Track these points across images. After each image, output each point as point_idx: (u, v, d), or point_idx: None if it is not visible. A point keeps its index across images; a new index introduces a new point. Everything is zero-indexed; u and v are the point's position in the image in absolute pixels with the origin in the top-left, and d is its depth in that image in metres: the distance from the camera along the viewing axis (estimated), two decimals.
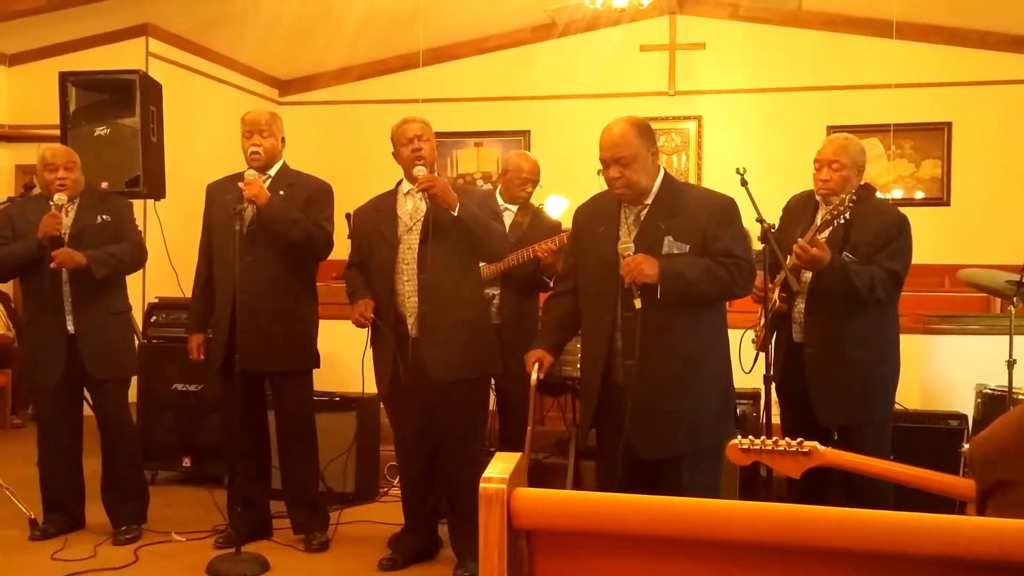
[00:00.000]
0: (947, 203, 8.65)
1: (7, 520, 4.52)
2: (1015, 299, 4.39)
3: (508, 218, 4.67)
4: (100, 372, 4.35)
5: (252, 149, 4.22)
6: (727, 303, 3.51)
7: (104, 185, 4.87)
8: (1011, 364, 4.37)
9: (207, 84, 8.53)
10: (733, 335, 3.50)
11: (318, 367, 4.42)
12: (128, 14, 7.56)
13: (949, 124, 8.63)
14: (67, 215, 4.33)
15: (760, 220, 3.62)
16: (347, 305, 4.09)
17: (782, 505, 1.20)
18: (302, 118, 9.17)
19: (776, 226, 3.93)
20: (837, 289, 3.66)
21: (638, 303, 3.09)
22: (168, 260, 5.27)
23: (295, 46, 8.77)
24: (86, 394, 4.49)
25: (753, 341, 3.94)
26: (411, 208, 3.96)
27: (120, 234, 4.42)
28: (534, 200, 4.92)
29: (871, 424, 3.78)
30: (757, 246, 3.70)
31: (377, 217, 4.04)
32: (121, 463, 4.46)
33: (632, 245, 3.16)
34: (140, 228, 4.90)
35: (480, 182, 9.14)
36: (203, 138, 7.99)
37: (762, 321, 3.82)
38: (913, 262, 3.82)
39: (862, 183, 3.86)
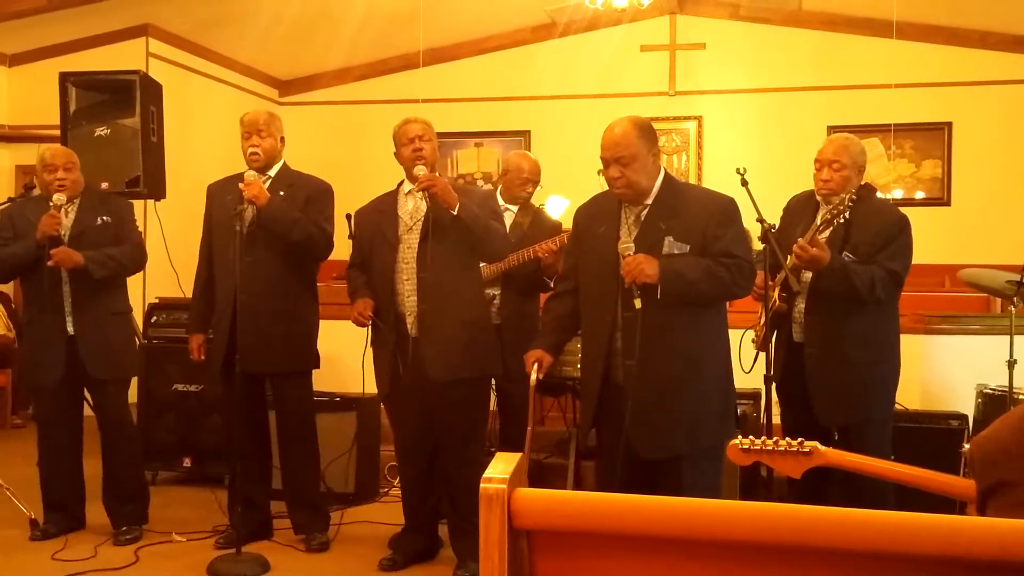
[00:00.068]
0: (947, 203, 8.65)
1: (8, 520, 4.52)
2: (1015, 299, 4.39)
3: (508, 218, 4.67)
4: (100, 372, 4.35)
5: (251, 150, 4.22)
6: (727, 303, 3.51)
7: (104, 185, 4.87)
8: (1011, 364, 4.37)
9: (207, 84, 8.53)
10: (733, 335, 3.50)
11: (318, 367, 4.42)
12: (128, 14, 7.56)
13: (949, 124, 8.63)
14: (67, 216, 4.34)
15: (760, 220, 3.62)
16: (348, 305, 4.09)
17: (782, 505, 1.20)
18: (302, 118, 9.18)
19: (776, 226, 3.93)
20: (837, 289, 3.66)
21: (638, 303, 3.09)
22: (168, 260, 5.27)
23: (295, 46, 8.77)
24: (87, 394, 4.49)
25: (753, 341, 3.94)
26: (412, 208, 3.97)
27: (121, 235, 4.41)
28: (534, 200, 4.92)
29: (871, 424, 3.78)
30: (758, 246, 3.70)
31: (378, 217, 4.04)
32: (121, 463, 4.47)
33: (632, 245, 3.16)
34: (140, 228, 4.90)
35: (480, 182, 9.14)
36: (203, 138, 7.99)
37: (762, 321, 3.82)
38: (913, 262, 3.82)
39: (863, 183, 3.86)
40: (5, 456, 5.69)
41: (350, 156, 8.95)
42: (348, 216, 4.81)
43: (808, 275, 3.74)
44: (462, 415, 3.94)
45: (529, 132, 9.30)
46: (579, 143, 7.60)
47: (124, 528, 4.39)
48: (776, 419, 3.83)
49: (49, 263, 4.17)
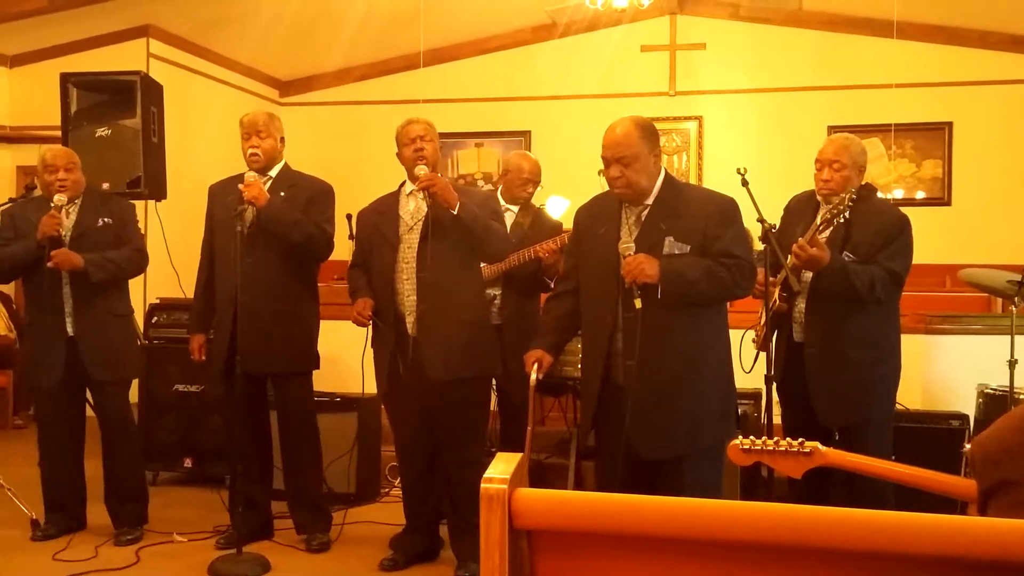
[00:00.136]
0: (948, 203, 8.65)
1: (9, 521, 4.52)
2: (1016, 299, 4.39)
3: (509, 219, 4.67)
4: (101, 374, 4.35)
5: (251, 151, 4.22)
6: (728, 303, 3.51)
7: (105, 186, 4.88)
8: (1012, 364, 4.36)
9: (208, 85, 8.53)
10: (734, 335, 3.50)
11: (318, 368, 4.42)
12: (129, 15, 7.56)
13: (950, 124, 8.63)
14: (67, 216, 4.34)
15: (761, 220, 3.62)
16: (348, 306, 4.09)
17: (783, 505, 1.20)
18: (303, 119, 9.18)
19: (777, 226, 3.93)
20: (836, 289, 3.66)
21: (639, 303, 3.10)
22: (169, 261, 5.27)
23: (296, 47, 8.77)
24: (88, 395, 4.49)
25: (754, 341, 3.94)
26: (413, 208, 3.97)
27: (122, 237, 4.41)
28: (535, 201, 4.92)
29: (872, 424, 3.78)
30: (758, 246, 3.70)
31: (379, 217, 4.05)
32: (123, 464, 4.47)
33: (633, 245, 3.16)
34: (141, 229, 4.90)
35: (481, 183, 9.14)
36: (204, 139, 8.00)
37: (763, 321, 3.82)
38: (914, 262, 3.82)
39: (863, 183, 3.86)
40: (6, 457, 5.69)
41: (350, 156, 8.95)
42: (348, 216, 4.82)
43: (808, 275, 3.74)
44: (462, 415, 3.94)
45: (529, 132, 9.30)
46: (579, 143, 7.60)
47: (125, 528, 4.39)
48: (777, 419, 3.84)
49: (49, 264, 4.17)
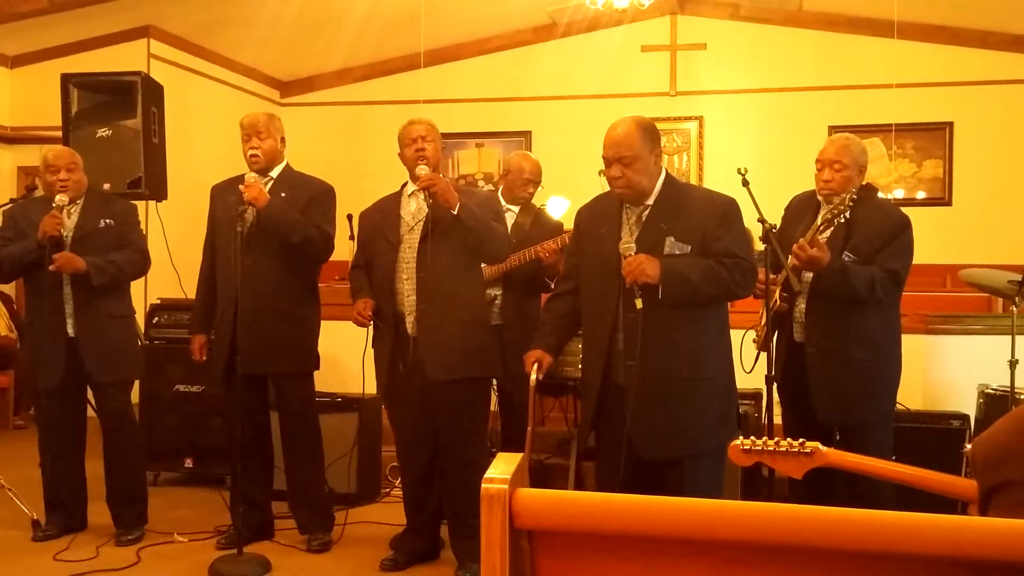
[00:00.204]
0: (948, 203, 8.64)
1: (10, 521, 4.53)
2: (1017, 299, 4.39)
3: (510, 219, 4.68)
4: (102, 375, 4.36)
5: (251, 152, 4.23)
6: (728, 303, 3.51)
7: (106, 186, 4.88)
8: (1013, 364, 4.36)
9: (208, 85, 8.53)
10: (735, 335, 3.50)
11: (317, 368, 4.42)
12: (129, 16, 7.56)
13: (950, 124, 8.62)
14: (69, 217, 4.34)
15: (762, 220, 3.62)
16: (349, 306, 4.10)
17: (784, 505, 1.20)
18: (303, 119, 9.18)
19: (778, 226, 3.93)
20: (836, 290, 3.66)
21: (639, 303, 3.10)
22: (170, 261, 5.27)
23: (296, 47, 8.77)
24: (90, 396, 4.50)
25: (754, 341, 3.94)
26: (414, 208, 3.97)
27: (124, 239, 4.42)
28: (536, 201, 4.93)
29: (872, 424, 3.78)
30: (759, 246, 3.70)
31: (381, 217, 4.05)
32: (124, 464, 4.47)
33: (634, 245, 3.16)
34: (143, 230, 4.90)
35: (481, 183, 9.14)
36: (205, 139, 8.00)
37: (763, 321, 3.82)
38: (915, 262, 3.83)
39: (864, 183, 3.86)
40: (7, 457, 5.69)
41: (351, 157, 8.95)
42: (349, 217, 4.82)
43: (809, 275, 3.74)
44: (462, 415, 3.94)
45: (530, 132, 9.30)
46: (580, 143, 7.61)
47: (126, 529, 4.39)
48: (777, 419, 3.83)
49: (51, 267, 4.18)
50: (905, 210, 3.92)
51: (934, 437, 4.44)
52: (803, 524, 1.18)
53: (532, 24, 9.17)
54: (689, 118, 9.08)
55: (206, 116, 8.24)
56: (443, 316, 3.87)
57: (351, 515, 4.54)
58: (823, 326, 3.76)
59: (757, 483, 4.19)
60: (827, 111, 8.54)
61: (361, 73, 9.65)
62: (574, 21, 8.77)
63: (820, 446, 2.16)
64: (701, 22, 9.06)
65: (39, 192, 4.65)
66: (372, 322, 3.99)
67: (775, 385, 3.73)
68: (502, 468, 1.27)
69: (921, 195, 8.72)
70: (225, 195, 4.29)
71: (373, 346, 4.08)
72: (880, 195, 4.18)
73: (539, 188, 4.90)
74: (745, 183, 3.61)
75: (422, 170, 3.87)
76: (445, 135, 4.18)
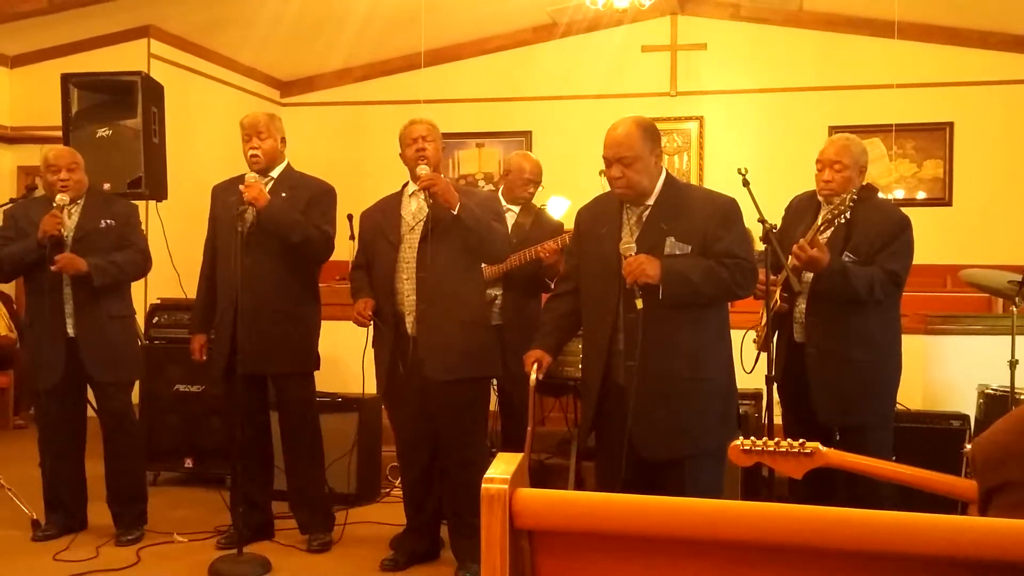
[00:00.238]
0: (949, 203, 8.64)
1: (10, 521, 4.53)
2: (1017, 299, 4.39)
3: (510, 219, 4.68)
4: (102, 375, 4.36)
5: (251, 152, 4.23)
6: (729, 303, 3.51)
7: (106, 186, 4.88)
8: (1013, 364, 4.36)
9: (209, 85, 8.53)
10: (735, 335, 3.50)
11: (318, 368, 4.42)
12: (130, 16, 7.56)
13: (951, 124, 8.62)
14: (69, 216, 4.34)
15: (762, 220, 3.62)
16: (349, 306, 4.10)
17: (784, 505, 1.20)
18: (303, 119, 9.18)
19: (778, 226, 3.93)
20: (836, 290, 3.66)
21: (640, 303, 3.10)
22: (170, 261, 5.27)
23: (296, 47, 8.77)
24: (89, 396, 4.49)
25: (755, 341, 3.94)
26: (415, 208, 3.97)
27: (125, 239, 4.42)
28: (536, 201, 4.93)
29: (872, 425, 3.78)
30: (759, 246, 3.70)
31: (381, 217, 4.06)
32: (124, 464, 4.47)
33: (634, 245, 3.16)
34: (144, 230, 4.90)
35: (482, 183, 9.14)
36: (205, 139, 8.00)
37: (764, 321, 3.82)
38: (915, 262, 3.83)
39: (864, 183, 3.86)
40: (7, 457, 5.69)
41: (351, 157, 8.95)
42: (349, 217, 4.81)
43: (809, 276, 3.74)
44: (462, 416, 3.94)
45: (530, 132, 9.29)
46: (580, 143, 7.61)
47: (126, 529, 4.39)
48: (778, 420, 3.83)
49: (53, 268, 4.18)
50: (905, 210, 3.92)
51: (934, 437, 4.44)
52: (803, 524, 1.18)
53: (532, 24, 9.17)
54: (689, 118, 9.08)
55: (206, 116, 8.24)
56: (443, 316, 3.87)
57: (351, 515, 4.54)
58: (823, 326, 3.76)
59: (757, 483, 4.19)
60: (827, 111, 8.54)
61: (361, 73, 9.65)
62: (574, 21, 8.77)
63: (820, 446, 2.15)
64: (701, 22, 9.06)
65: (39, 192, 4.65)
66: (372, 322, 4.00)
67: (775, 385, 3.73)
68: (502, 468, 1.27)
69: (921, 195, 8.71)
70: (226, 195, 4.29)
71: (373, 346, 4.08)
72: (880, 195, 4.18)
73: (539, 188, 4.90)
74: (745, 183, 3.61)
75: (422, 170, 3.87)
76: (445, 135, 4.18)
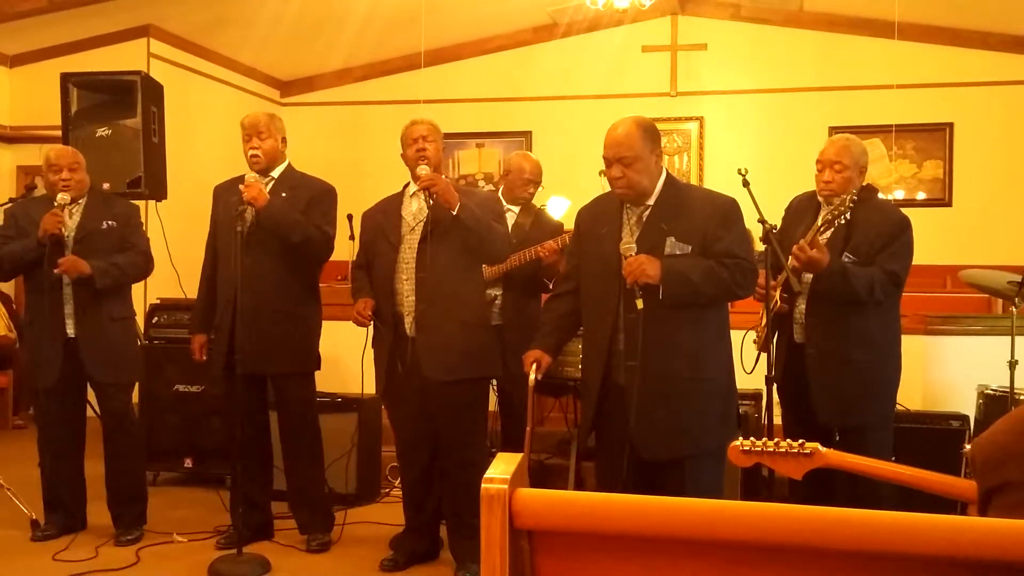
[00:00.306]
0: (949, 204, 8.64)
1: (9, 521, 4.53)
2: (1016, 300, 4.39)
3: (510, 219, 4.68)
4: (102, 376, 4.37)
5: (251, 152, 4.23)
6: (729, 304, 3.51)
7: (106, 186, 4.88)
8: (1013, 365, 4.36)
9: (208, 85, 8.53)
10: (735, 336, 3.50)
11: (318, 368, 4.42)
12: (129, 15, 7.56)
13: (951, 125, 8.62)
14: (70, 216, 4.34)
15: (762, 221, 3.62)
16: (349, 306, 4.10)
17: (784, 505, 1.20)
18: (303, 119, 9.18)
19: (778, 227, 3.92)
20: (836, 291, 3.66)
21: (640, 303, 3.10)
22: (170, 261, 5.27)
23: (297, 47, 8.77)
24: (90, 397, 4.49)
25: (755, 342, 3.94)
26: (415, 209, 3.97)
27: (127, 241, 4.42)
28: (536, 201, 4.93)
29: (872, 425, 3.78)
30: (759, 247, 3.70)
31: (383, 217, 4.06)
32: (124, 465, 4.47)
33: (634, 245, 3.16)
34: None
35: (482, 183, 9.14)
36: (205, 139, 8.00)
37: (764, 322, 3.82)
38: (915, 263, 3.83)
39: (864, 184, 3.86)
40: (7, 457, 5.69)
41: (351, 157, 8.96)
42: (349, 217, 4.81)
43: (809, 276, 3.74)
44: (461, 416, 3.94)
45: (531, 133, 9.30)
46: (580, 144, 7.61)
47: (125, 529, 4.39)
48: (777, 420, 3.83)
49: (56, 271, 4.19)
50: (905, 211, 3.92)
51: (934, 438, 4.44)
52: (803, 524, 1.18)
53: (533, 24, 9.17)
54: (689, 118, 9.08)
55: (206, 116, 8.24)
56: (442, 316, 3.87)
57: (351, 515, 4.54)
58: (823, 327, 3.76)
59: (757, 483, 4.19)
60: (827, 112, 8.54)
61: (361, 73, 9.65)
62: (575, 21, 8.77)
63: (820, 447, 2.15)
64: (702, 22, 9.06)
65: (39, 191, 4.65)
66: (372, 322, 4.00)
67: (775, 386, 3.73)
68: (502, 468, 1.27)
69: (921, 196, 8.71)
70: (227, 195, 4.29)
71: (373, 346, 4.08)
72: (880, 196, 4.18)
73: (539, 188, 4.90)
74: (745, 183, 3.61)
75: (423, 170, 3.87)
76: (445, 135, 4.18)
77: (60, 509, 4.45)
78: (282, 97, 9.74)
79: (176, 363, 5.31)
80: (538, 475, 4.98)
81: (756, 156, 8.09)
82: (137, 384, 4.83)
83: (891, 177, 8.68)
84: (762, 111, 8.93)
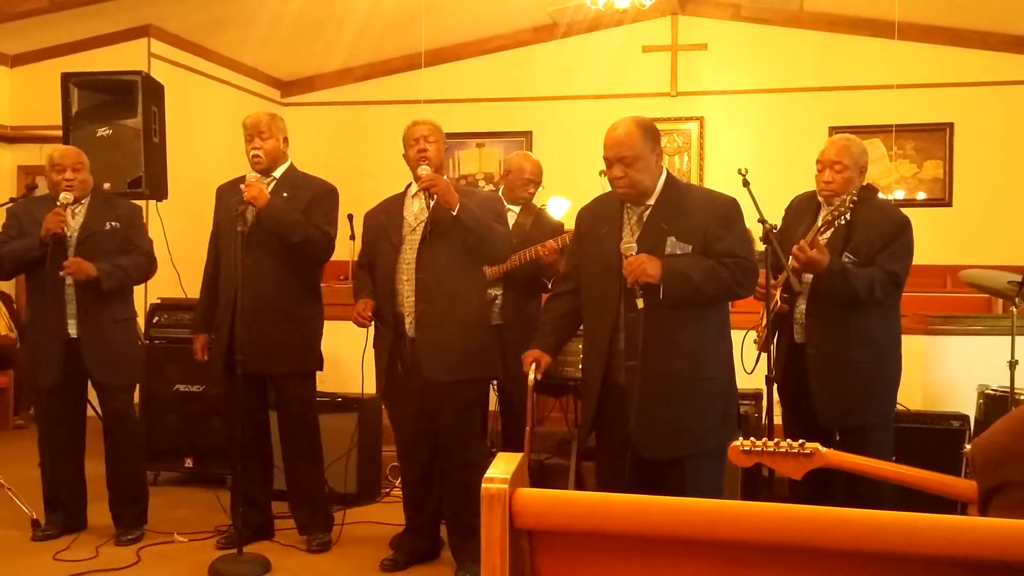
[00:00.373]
0: (949, 204, 8.64)
1: (9, 521, 4.53)
2: (1017, 300, 4.39)
3: (511, 219, 4.67)
4: (104, 377, 4.37)
5: (253, 152, 4.23)
6: (729, 303, 3.51)
7: (106, 186, 4.87)
8: (1013, 365, 4.36)
9: (209, 85, 8.53)
10: (735, 336, 3.50)
11: (321, 369, 4.41)
12: (130, 15, 7.56)
13: (951, 125, 8.62)
14: (73, 216, 4.35)
15: (762, 221, 3.62)
16: (349, 306, 4.11)
17: (784, 505, 1.20)
18: (304, 119, 9.18)
19: (778, 227, 3.93)
20: (836, 291, 3.66)
21: (641, 303, 3.10)
22: (170, 261, 5.27)
23: (297, 47, 8.77)
24: (90, 397, 4.49)
25: (755, 342, 3.94)
26: (417, 209, 3.97)
27: (130, 242, 4.42)
28: (536, 201, 4.93)
29: (872, 425, 3.78)
30: (759, 247, 3.70)
31: (385, 218, 4.06)
32: (125, 465, 4.47)
33: (635, 245, 3.16)
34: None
35: (482, 183, 9.14)
36: (205, 139, 8.00)
37: (764, 322, 3.82)
38: (915, 263, 3.82)
39: (864, 184, 3.86)
40: (7, 457, 5.69)
41: (352, 157, 8.96)
42: (349, 217, 4.81)
43: (809, 276, 3.74)
44: (461, 416, 3.94)
45: (531, 133, 9.30)
46: (581, 144, 7.60)
47: (126, 529, 4.39)
48: (778, 420, 3.83)
49: (62, 273, 4.20)
50: (905, 211, 3.92)
51: (934, 438, 4.44)
52: (803, 524, 1.18)
53: (533, 24, 9.17)
54: (690, 118, 9.08)
55: (207, 116, 8.24)
56: (442, 317, 3.87)
57: (351, 515, 4.54)
58: (823, 327, 3.75)
59: (757, 483, 4.19)
60: (828, 112, 8.54)
61: (362, 73, 9.65)
62: (575, 21, 8.77)
63: (820, 447, 2.15)
64: (702, 22, 9.06)
65: (39, 191, 4.65)
66: (372, 323, 4.00)
67: (775, 386, 3.73)
68: (502, 468, 1.27)
69: (921, 196, 8.71)
70: (229, 195, 4.28)
71: (374, 346, 4.08)
72: (880, 196, 4.18)
73: (540, 188, 4.90)
74: (746, 183, 3.61)
75: (423, 171, 3.87)
76: (446, 135, 4.18)
77: (60, 509, 4.45)
78: (282, 97, 9.74)
79: (176, 363, 5.31)
80: (538, 475, 4.98)
81: (756, 156, 8.08)
82: (138, 384, 4.83)
83: (891, 177, 8.68)
84: (762, 111, 8.93)
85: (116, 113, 5.33)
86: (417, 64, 8.99)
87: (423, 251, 3.88)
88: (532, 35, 9.30)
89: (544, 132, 9.17)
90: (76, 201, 4.36)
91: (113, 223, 4.40)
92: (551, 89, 9.20)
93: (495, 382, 4.43)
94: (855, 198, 3.63)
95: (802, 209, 3.99)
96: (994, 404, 4.47)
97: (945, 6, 8.25)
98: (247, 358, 4.00)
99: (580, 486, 4.72)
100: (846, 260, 3.70)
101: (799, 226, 3.85)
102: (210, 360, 4.35)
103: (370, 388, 4.24)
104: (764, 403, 3.85)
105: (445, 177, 3.96)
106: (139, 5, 7.44)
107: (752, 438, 2.21)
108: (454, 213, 3.80)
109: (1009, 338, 4.40)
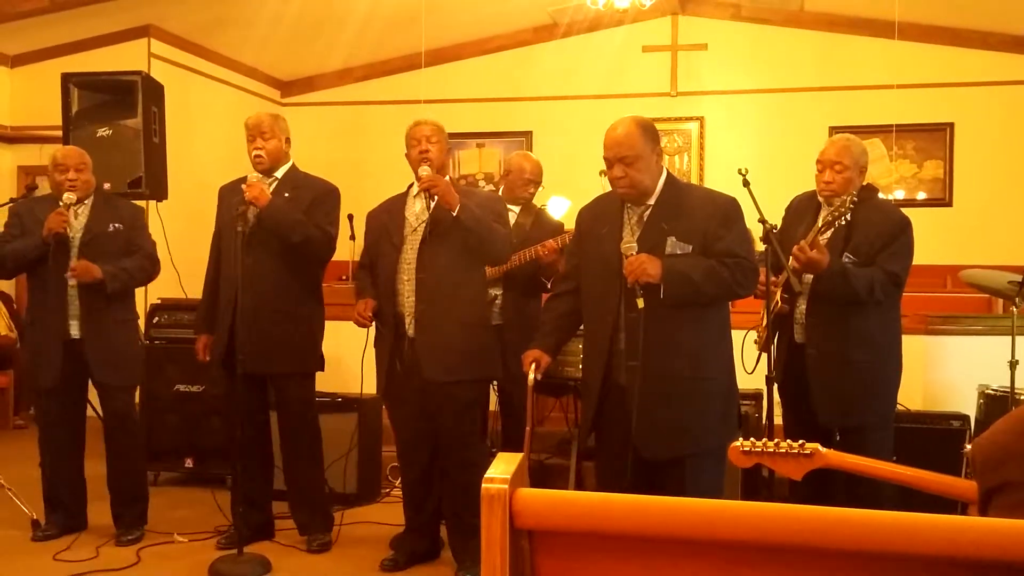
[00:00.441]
0: (949, 204, 8.64)
1: (10, 521, 4.53)
2: (1017, 300, 4.39)
3: (511, 219, 4.67)
4: (105, 377, 4.37)
5: (255, 153, 4.23)
6: (730, 303, 3.51)
7: (106, 186, 4.87)
8: (1013, 365, 4.36)
9: (209, 85, 8.53)
10: (736, 336, 3.50)
11: (322, 370, 4.41)
12: (130, 15, 7.56)
13: (951, 125, 8.62)
14: (76, 217, 4.35)
15: (762, 221, 3.62)
16: (350, 306, 4.11)
17: (784, 505, 1.20)
18: (304, 119, 9.16)
19: (778, 227, 3.92)
20: (836, 292, 3.66)
21: (641, 303, 3.10)
22: (170, 261, 5.26)
23: (297, 47, 8.77)
24: (91, 397, 4.49)
25: (756, 342, 3.94)
26: (418, 209, 3.97)
27: (133, 244, 4.42)
28: (536, 201, 4.93)
29: (873, 425, 3.78)
30: (760, 247, 3.70)
31: (387, 218, 4.06)
32: (125, 465, 4.48)
33: (635, 245, 3.16)
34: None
35: (482, 183, 9.14)
36: (205, 139, 8.00)
37: (764, 322, 3.82)
38: (915, 263, 3.83)
39: (864, 184, 3.86)
40: (7, 457, 5.69)
41: (352, 157, 8.96)
42: (350, 217, 4.81)
43: (810, 276, 3.74)
44: (461, 416, 3.94)
45: (531, 133, 9.30)
46: (581, 144, 7.60)
47: (126, 529, 4.39)
48: (778, 420, 3.83)
49: (68, 275, 4.21)
50: (905, 211, 3.92)
51: (934, 438, 4.44)
52: (803, 524, 1.18)
53: (533, 24, 9.17)
54: (690, 118, 9.08)
55: (207, 116, 8.23)
56: (442, 317, 3.87)
57: (351, 515, 4.54)
58: (823, 327, 3.75)
59: (757, 483, 4.19)
60: (828, 112, 8.54)
61: (362, 73, 9.65)
62: (575, 21, 8.77)
63: (820, 447, 2.15)
64: (702, 22, 9.06)
65: (40, 191, 4.65)
66: (372, 323, 4.00)
67: (775, 386, 3.73)
68: (502, 468, 1.27)
69: (922, 196, 8.71)
70: (231, 196, 4.28)
71: (374, 347, 4.08)
72: (881, 196, 4.18)
73: (540, 188, 4.90)
74: (746, 183, 3.61)
75: (424, 171, 3.87)
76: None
77: (61, 509, 4.46)
78: (283, 97, 9.74)
79: (177, 363, 5.32)
80: (538, 475, 4.98)
81: (756, 156, 8.08)
82: (138, 384, 4.83)
83: (891, 177, 8.68)
84: (762, 111, 8.93)
85: (116, 113, 5.34)
86: (417, 64, 8.99)
87: (423, 251, 3.88)
88: (532, 35, 9.30)
89: (544, 132, 9.17)
90: (79, 201, 4.36)
91: (116, 224, 4.40)
92: (551, 89, 9.20)
93: (495, 382, 4.43)
94: (855, 198, 3.63)
95: (802, 209, 3.99)
96: (994, 404, 4.47)
97: (945, 6, 8.25)
98: (247, 358, 4.00)
99: (580, 486, 4.72)
100: (846, 260, 3.70)
101: (799, 226, 3.85)
102: (213, 360, 4.35)
103: (370, 388, 4.24)
104: (764, 403, 3.85)
105: (447, 177, 3.95)
106: (139, 5, 7.43)
107: (752, 438, 2.21)
108: (454, 214, 3.80)
109: (1009, 338, 4.40)
